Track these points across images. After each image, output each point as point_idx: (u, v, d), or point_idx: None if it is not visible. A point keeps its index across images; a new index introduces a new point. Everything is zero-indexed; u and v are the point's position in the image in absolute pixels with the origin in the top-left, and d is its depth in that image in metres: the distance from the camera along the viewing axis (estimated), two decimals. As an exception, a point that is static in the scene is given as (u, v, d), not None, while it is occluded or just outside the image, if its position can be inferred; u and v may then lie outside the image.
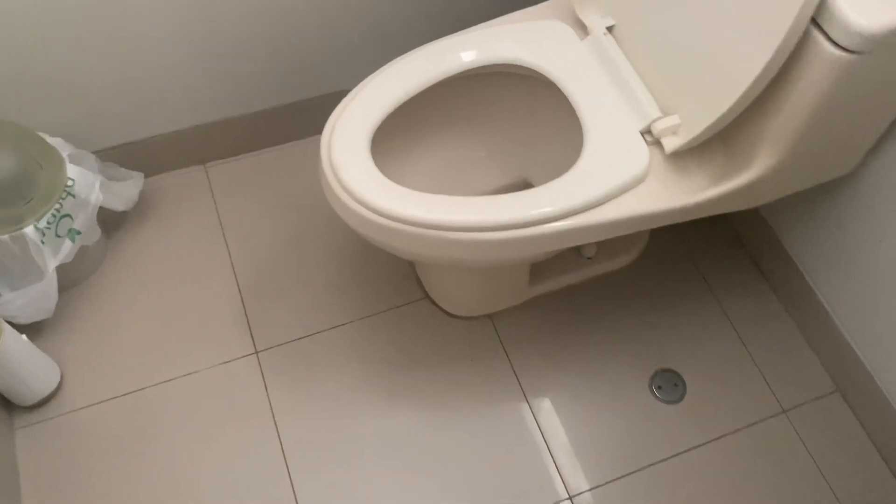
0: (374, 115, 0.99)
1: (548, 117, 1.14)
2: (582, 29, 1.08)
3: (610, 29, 1.05)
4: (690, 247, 1.37)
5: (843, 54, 0.77)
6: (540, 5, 1.12)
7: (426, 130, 1.15)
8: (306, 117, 1.41)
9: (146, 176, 1.37)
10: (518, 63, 1.06)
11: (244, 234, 1.36)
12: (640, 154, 0.97)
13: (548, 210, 0.93)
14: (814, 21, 0.78)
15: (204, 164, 1.43)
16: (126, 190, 1.27)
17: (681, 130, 0.97)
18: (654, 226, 0.99)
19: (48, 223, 1.11)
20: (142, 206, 1.35)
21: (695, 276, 1.35)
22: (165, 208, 1.38)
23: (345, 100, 1.00)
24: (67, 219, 1.14)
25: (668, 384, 1.24)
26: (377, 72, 1.03)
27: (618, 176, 0.95)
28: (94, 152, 1.26)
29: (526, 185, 1.24)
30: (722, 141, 0.97)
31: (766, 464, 1.18)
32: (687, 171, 0.98)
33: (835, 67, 0.79)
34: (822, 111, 0.84)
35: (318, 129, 1.43)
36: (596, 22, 1.06)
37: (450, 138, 1.18)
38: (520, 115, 1.18)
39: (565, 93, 1.03)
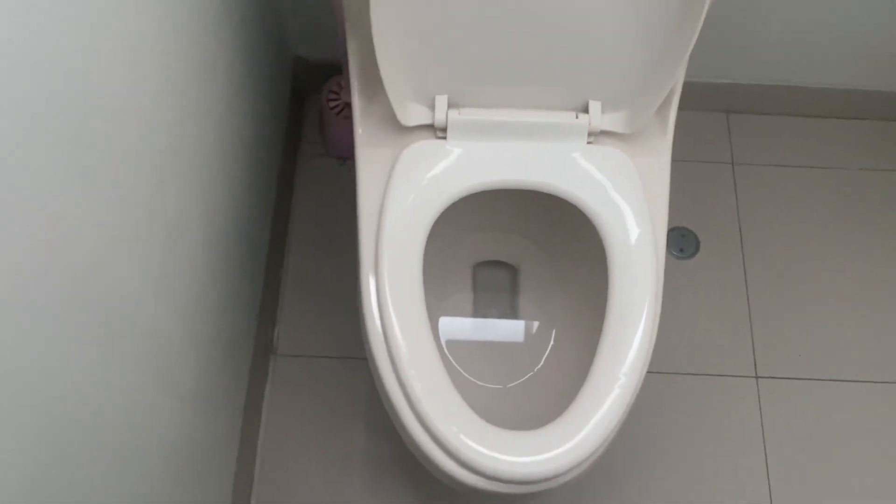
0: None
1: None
2: (429, 131, 0.91)
3: (452, 106, 0.90)
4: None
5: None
6: (371, 148, 0.92)
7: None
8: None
9: None
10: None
11: None
12: (618, 156, 0.90)
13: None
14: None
15: None
16: None
17: (610, 107, 0.91)
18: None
19: None
20: None
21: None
22: None
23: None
24: None
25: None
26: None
27: (632, 196, 0.88)
28: None
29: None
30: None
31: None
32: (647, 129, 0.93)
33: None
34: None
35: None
36: (435, 113, 0.89)
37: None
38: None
39: (504, 186, 0.90)
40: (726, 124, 1.40)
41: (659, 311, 0.84)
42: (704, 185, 1.35)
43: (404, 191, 0.87)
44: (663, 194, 0.91)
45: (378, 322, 0.82)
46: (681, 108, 1.39)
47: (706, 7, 0.76)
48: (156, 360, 0.74)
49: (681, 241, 1.30)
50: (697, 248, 1.30)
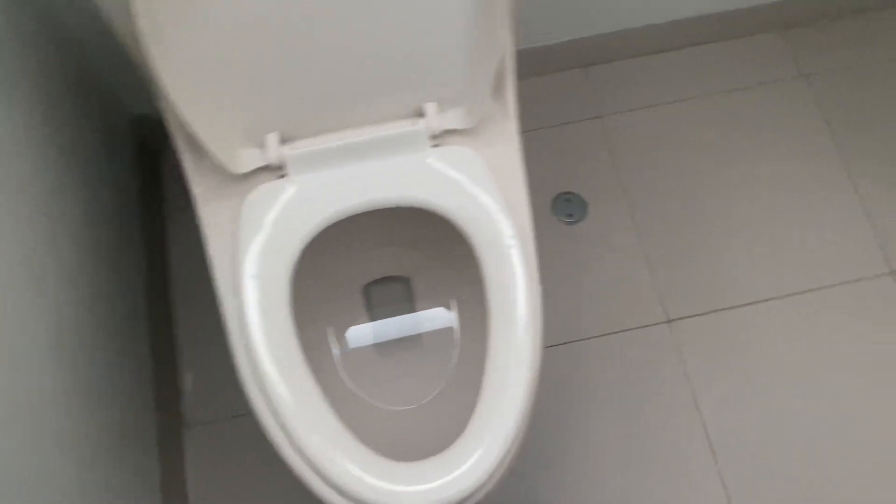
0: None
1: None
2: (270, 172, 0.87)
3: (286, 141, 0.86)
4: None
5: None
6: (212, 204, 0.87)
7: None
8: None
9: None
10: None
11: None
12: (465, 153, 0.88)
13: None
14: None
15: None
16: None
17: (446, 104, 0.88)
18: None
19: None
20: None
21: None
22: None
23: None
24: None
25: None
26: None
27: (488, 190, 0.86)
28: None
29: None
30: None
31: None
32: (490, 118, 0.91)
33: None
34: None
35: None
36: (266, 154, 0.85)
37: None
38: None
39: (357, 210, 0.87)
40: (585, 79, 1.39)
41: (538, 296, 0.82)
42: (578, 145, 1.35)
43: (255, 242, 0.83)
44: (520, 178, 0.89)
45: (254, 381, 0.79)
46: (536, 73, 1.39)
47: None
48: (21, 484, 0.69)
49: (568, 207, 1.29)
50: (586, 211, 1.29)
